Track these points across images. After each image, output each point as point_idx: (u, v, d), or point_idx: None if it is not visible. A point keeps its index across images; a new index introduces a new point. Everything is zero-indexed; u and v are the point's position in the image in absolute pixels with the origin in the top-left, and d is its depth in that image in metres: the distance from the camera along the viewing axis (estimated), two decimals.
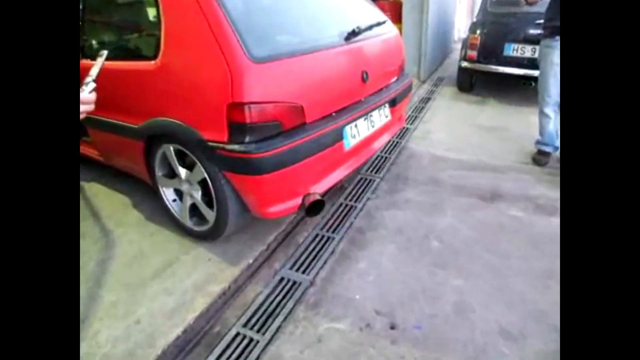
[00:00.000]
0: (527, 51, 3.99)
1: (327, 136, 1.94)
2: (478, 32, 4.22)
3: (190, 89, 1.78)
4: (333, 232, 2.33)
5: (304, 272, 2.03)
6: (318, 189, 2.01)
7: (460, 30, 7.92)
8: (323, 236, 2.29)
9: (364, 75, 2.20)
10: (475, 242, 2.24)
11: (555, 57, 2.79)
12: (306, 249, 2.19)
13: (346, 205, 2.59)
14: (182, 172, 2.03)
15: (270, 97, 1.72)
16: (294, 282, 1.96)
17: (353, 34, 2.16)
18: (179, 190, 2.17)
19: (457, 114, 4.21)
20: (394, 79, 2.61)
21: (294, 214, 2.40)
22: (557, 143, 3.11)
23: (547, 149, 3.13)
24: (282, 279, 1.99)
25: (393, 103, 2.55)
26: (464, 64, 4.39)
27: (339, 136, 2.04)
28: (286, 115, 1.79)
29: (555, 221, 2.41)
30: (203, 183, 1.97)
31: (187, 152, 1.92)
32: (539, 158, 3.13)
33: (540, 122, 3.12)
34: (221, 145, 1.74)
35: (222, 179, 1.85)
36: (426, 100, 4.58)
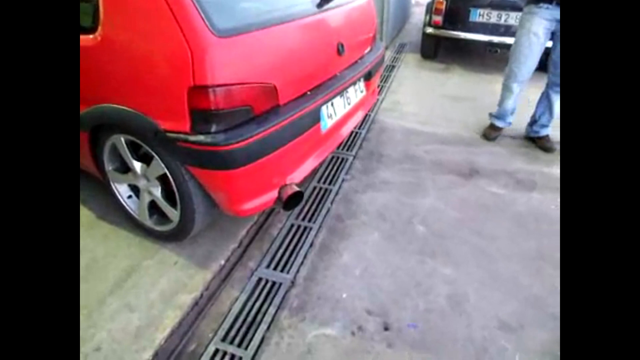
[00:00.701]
0: (493, 17, 3.87)
1: (303, 119, 1.71)
2: None
3: (141, 69, 1.47)
4: (310, 220, 2.14)
5: (282, 270, 1.84)
6: (295, 178, 1.79)
7: None
8: (299, 226, 2.10)
9: (340, 47, 1.96)
10: (460, 224, 2.14)
11: (535, 26, 2.56)
12: (282, 242, 1.99)
13: (320, 188, 2.39)
14: (137, 166, 1.74)
15: (238, 77, 1.46)
16: (273, 283, 1.77)
17: (325, 0, 1.89)
18: (135, 186, 1.87)
19: (423, 83, 4.06)
20: (368, 49, 2.38)
21: None
22: (510, 119, 2.97)
23: (500, 123, 2.98)
24: (259, 280, 1.79)
25: (368, 76, 2.34)
26: (429, 30, 4.20)
27: (315, 118, 1.81)
28: (258, 98, 1.53)
29: (536, 196, 2.35)
30: (163, 178, 1.70)
31: (142, 144, 1.63)
32: (489, 132, 2.99)
33: (502, 94, 2.93)
34: (183, 136, 1.47)
35: (186, 175, 1.59)
36: (390, 68, 4.39)
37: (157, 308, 1.60)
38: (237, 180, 1.54)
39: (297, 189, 1.72)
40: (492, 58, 4.55)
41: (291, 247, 1.96)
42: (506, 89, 2.87)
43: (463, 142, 2.94)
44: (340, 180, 2.47)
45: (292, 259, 1.90)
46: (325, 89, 1.87)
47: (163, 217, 1.85)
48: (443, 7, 4.00)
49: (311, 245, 1.99)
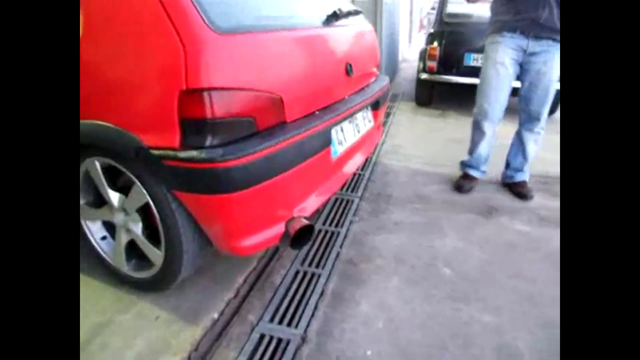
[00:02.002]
0: None
1: (313, 140, 1.47)
2: (436, 42, 4.03)
3: (121, 73, 1.24)
4: (317, 266, 1.83)
5: (290, 324, 1.50)
6: (303, 211, 1.52)
7: (403, 51, 7.93)
8: (306, 273, 1.78)
9: (348, 68, 1.78)
10: (491, 265, 1.85)
11: (500, 56, 2.27)
12: (287, 291, 1.67)
13: (326, 231, 2.10)
14: (114, 197, 1.45)
15: (239, 81, 1.24)
16: (280, 341, 1.43)
17: (334, 16, 1.75)
18: (111, 224, 1.56)
19: (421, 128, 3.94)
20: (373, 79, 2.22)
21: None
22: (485, 167, 2.60)
23: (474, 172, 2.59)
24: (262, 337, 1.44)
25: (376, 105, 2.15)
26: (424, 76, 4.17)
27: (326, 141, 1.57)
28: (261, 110, 1.30)
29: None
30: (144, 211, 1.41)
31: (121, 167, 1.35)
32: (463, 183, 2.57)
33: (473, 138, 2.56)
34: (171, 153, 1.21)
35: (173, 203, 1.30)
36: (386, 115, 4.28)
37: None
38: (236, 207, 1.26)
39: (306, 222, 1.44)
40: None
41: (298, 297, 1.64)
42: (477, 130, 2.52)
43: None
44: (348, 222, 2.20)
45: (300, 310, 1.57)
46: (335, 111, 1.65)
47: (143, 261, 1.53)
48: (437, 52, 3.99)
49: (322, 294, 1.66)
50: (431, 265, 1.85)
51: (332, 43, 1.72)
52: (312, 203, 1.58)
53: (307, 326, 1.50)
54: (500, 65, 2.30)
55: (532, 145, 2.49)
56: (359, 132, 1.94)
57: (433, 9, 7.36)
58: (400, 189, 2.62)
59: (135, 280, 1.54)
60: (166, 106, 1.19)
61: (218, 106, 1.18)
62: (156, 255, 1.43)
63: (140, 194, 1.34)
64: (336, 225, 2.16)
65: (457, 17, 4.03)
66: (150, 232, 1.46)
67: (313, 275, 1.77)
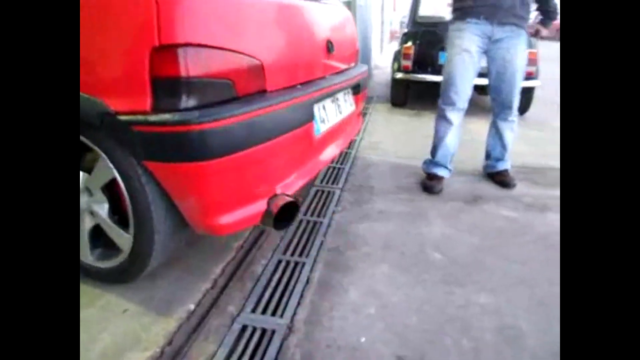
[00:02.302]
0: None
1: (295, 111, 1.38)
2: (410, 42, 4.04)
3: (84, 30, 1.11)
4: (300, 255, 1.71)
5: (274, 314, 1.37)
6: (286, 189, 1.40)
7: (375, 59, 7.99)
8: (289, 262, 1.65)
9: (329, 45, 1.70)
10: (481, 250, 1.78)
11: (466, 42, 2.20)
12: (270, 281, 1.53)
13: (308, 221, 1.99)
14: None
15: (217, 40, 1.13)
16: (264, 331, 1.29)
17: None
18: None
19: (399, 126, 3.90)
20: (353, 64, 2.15)
21: (250, 228, 1.78)
22: (451, 165, 2.44)
23: (440, 171, 2.41)
24: (244, 328, 1.31)
25: (357, 90, 2.08)
26: (399, 75, 4.16)
27: (308, 115, 1.48)
28: (241, 73, 1.20)
29: (554, 217, 2.07)
30: (111, 189, 1.26)
31: (83, 138, 1.20)
32: (432, 184, 2.35)
33: (437, 132, 2.40)
34: (141, 117, 1.08)
35: (143, 177, 1.17)
36: (363, 114, 4.23)
37: None
38: (212, 178, 1.13)
39: (290, 199, 1.33)
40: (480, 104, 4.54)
41: (282, 286, 1.51)
42: (443, 121, 2.36)
43: (455, 172, 2.67)
44: (330, 212, 2.09)
45: (284, 299, 1.44)
46: (317, 87, 1.56)
47: (109, 250, 1.37)
48: (411, 51, 4.00)
49: (307, 282, 1.54)
50: (420, 252, 1.76)
51: (313, 16, 1.64)
52: (295, 182, 1.47)
53: (294, 315, 1.37)
54: (466, 52, 2.23)
55: (509, 133, 2.46)
56: (340, 113, 1.85)
57: (402, 22, 7.50)
58: (382, 181, 2.54)
59: (100, 271, 1.37)
60: (135, 65, 1.07)
61: (194, 64, 1.07)
62: (124, 239, 1.28)
63: (106, 169, 1.20)
64: (318, 216, 2.05)
65: (430, 17, 4.06)
66: (118, 216, 1.31)
67: (297, 264, 1.64)
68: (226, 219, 1.22)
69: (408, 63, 4.04)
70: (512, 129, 2.46)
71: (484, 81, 2.47)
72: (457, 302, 1.45)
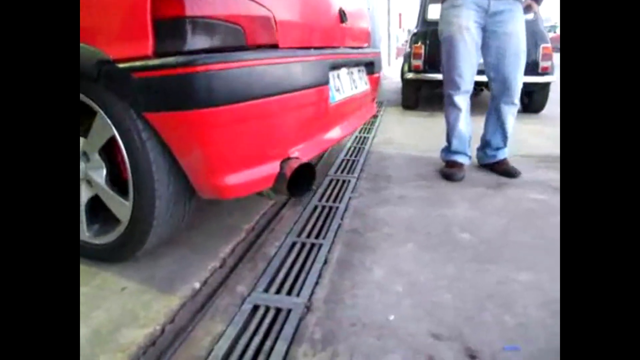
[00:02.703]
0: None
1: (309, 69, 1.26)
2: (420, 42, 3.96)
3: None
4: (317, 237, 1.57)
5: (289, 293, 1.23)
6: (301, 154, 1.28)
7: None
8: (304, 244, 1.51)
9: (342, 15, 1.61)
10: (512, 229, 1.63)
11: (464, 19, 2.02)
12: (283, 262, 1.39)
13: (323, 206, 1.85)
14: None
15: None
16: (278, 311, 1.15)
17: None
18: None
19: (412, 126, 3.79)
20: (366, 44, 2.05)
21: (260, 211, 1.65)
22: (469, 151, 2.29)
23: (460, 158, 2.28)
24: (255, 308, 1.16)
25: (371, 69, 1.98)
26: (410, 75, 4.07)
27: (323, 78, 1.37)
28: (251, 22, 1.09)
29: None
30: (108, 152, 1.15)
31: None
32: (452, 171, 2.20)
33: (448, 119, 2.28)
34: (142, 63, 0.98)
35: (144, 132, 1.05)
36: (373, 117, 4.13)
37: (83, 354, 0.93)
38: (219, 128, 1.02)
39: (304, 160, 1.21)
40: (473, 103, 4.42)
41: (297, 267, 1.37)
42: (452, 108, 2.23)
43: (474, 163, 2.52)
44: (347, 198, 1.95)
45: (301, 279, 1.29)
46: (331, 53, 1.46)
47: (106, 225, 1.24)
48: (422, 51, 3.91)
49: (325, 262, 1.40)
50: (446, 232, 1.61)
51: None
52: (309, 149, 1.34)
53: (312, 295, 1.22)
54: (465, 30, 2.04)
55: (511, 118, 2.24)
56: (356, 87, 1.74)
57: (406, 41, 7.50)
58: (399, 170, 2.41)
59: (96, 247, 1.25)
60: (136, 6, 0.97)
61: (200, 3, 0.97)
62: (123, 208, 1.16)
63: (104, 127, 1.09)
64: (334, 201, 1.91)
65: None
66: (116, 184, 1.19)
67: (313, 245, 1.50)
68: (234, 178, 1.09)
69: (419, 62, 3.95)
70: (514, 114, 2.24)
71: (483, 78, 2.28)
72: (494, 279, 1.29)
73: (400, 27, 12.09)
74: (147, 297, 1.14)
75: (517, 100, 2.21)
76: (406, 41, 6.79)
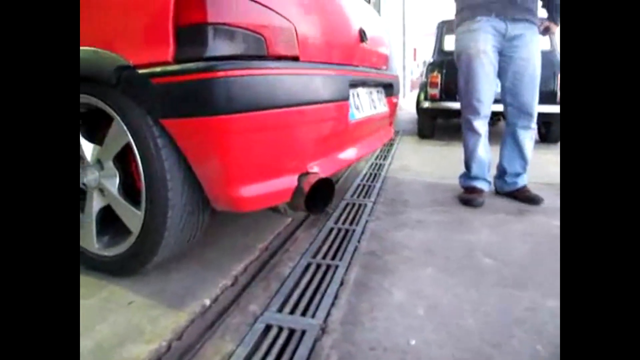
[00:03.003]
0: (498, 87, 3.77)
1: (330, 83, 1.25)
2: (436, 71, 3.98)
3: None
4: (333, 258, 1.51)
5: (304, 314, 1.16)
6: (319, 169, 1.25)
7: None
8: (320, 265, 1.45)
9: (363, 34, 1.61)
10: (538, 255, 1.55)
11: (482, 43, 1.99)
12: (298, 282, 1.33)
13: (339, 229, 1.80)
14: (88, 149, 1.17)
15: None
16: (292, 332, 1.08)
17: None
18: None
19: (428, 154, 3.75)
20: (384, 67, 2.05)
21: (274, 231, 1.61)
22: (489, 177, 2.24)
23: (480, 184, 2.21)
24: (268, 327, 1.10)
25: (390, 92, 1.97)
26: (426, 104, 4.07)
27: (344, 92, 1.35)
28: (272, 32, 1.09)
29: None
30: (122, 161, 1.13)
31: (97, 100, 1.09)
32: (471, 197, 2.15)
33: (467, 144, 2.22)
34: (162, 68, 0.97)
35: (160, 138, 1.04)
36: (389, 145, 4.11)
37: None
38: (236, 136, 0.99)
39: (323, 176, 1.17)
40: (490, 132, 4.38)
41: (312, 287, 1.30)
42: (470, 133, 2.19)
43: (493, 192, 2.45)
44: (363, 221, 1.90)
45: (316, 300, 1.23)
46: (351, 70, 1.45)
47: (117, 235, 1.21)
48: (439, 80, 3.93)
49: (342, 283, 1.33)
50: (468, 257, 1.54)
51: (346, 3, 1.56)
52: (328, 165, 1.31)
53: (327, 316, 1.15)
54: (483, 54, 2.00)
55: (529, 142, 2.18)
56: (375, 108, 1.72)
57: (421, 75, 7.59)
58: (416, 196, 2.35)
59: (106, 259, 1.21)
60: (158, 13, 0.98)
61: (221, 10, 0.97)
62: (134, 217, 1.12)
63: (120, 134, 1.08)
64: (351, 224, 1.86)
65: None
66: (129, 194, 1.16)
67: (329, 267, 1.44)
68: (250, 190, 1.06)
69: (435, 92, 3.96)
70: (532, 138, 2.19)
71: (500, 107, 2.23)
72: (522, 304, 1.21)
73: (415, 60, 12.29)
74: (154, 312, 1.08)
75: (534, 124, 2.16)
76: (421, 73, 6.87)
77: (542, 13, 2.23)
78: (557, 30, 2.25)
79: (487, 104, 2.12)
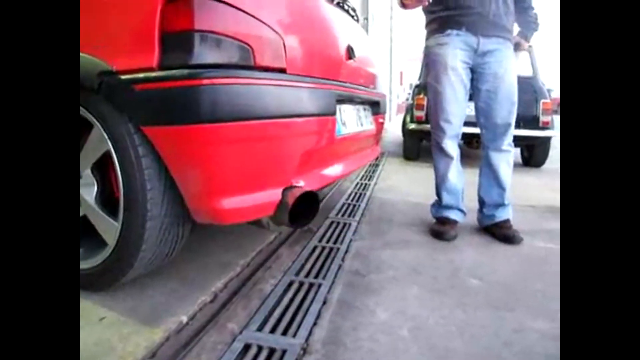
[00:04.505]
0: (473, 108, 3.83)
1: (317, 97, 1.24)
2: (423, 93, 4.04)
3: None
4: (316, 277, 1.47)
5: (284, 333, 1.11)
6: (304, 183, 1.22)
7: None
8: (302, 283, 1.41)
9: (351, 51, 1.62)
10: (526, 276, 1.53)
11: (451, 59, 1.82)
12: (280, 300, 1.28)
13: (323, 247, 1.76)
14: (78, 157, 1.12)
15: (239, 1, 1.02)
16: (272, 351, 1.03)
17: None
18: None
19: (414, 175, 3.76)
20: (372, 85, 2.06)
21: (256, 249, 1.57)
22: (462, 205, 2.03)
23: (451, 214, 2.01)
24: (247, 346, 1.04)
25: (376, 110, 1.97)
26: (412, 126, 4.11)
27: (330, 107, 1.34)
28: (260, 43, 1.07)
29: None
30: (100, 170, 1.09)
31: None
32: (443, 229, 1.94)
33: (438, 169, 2.04)
34: (145, 74, 0.94)
35: (140, 147, 1.00)
36: (375, 166, 4.12)
37: None
38: (219, 146, 0.97)
39: (308, 190, 1.14)
40: (472, 156, 4.43)
41: (294, 306, 1.26)
42: (441, 156, 2.00)
43: (474, 225, 2.43)
44: (347, 240, 1.86)
45: (298, 319, 1.18)
46: (339, 86, 1.45)
47: (90, 248, 1.15)
48: (424, 102, 3.98)
49: (325, 302, 1.29)
50: (454, 276, 1.52)
51: (337, 19, 1.59)
52: (313, 180, 1.29)
53: (309, 335, 1.11)
54: (452, 70, 1.83)
55: (505, 167, 1.96)
56: (361, 125, 1.72)
57: (407, 99, 7.71)
58: (402, 215, 2.34)
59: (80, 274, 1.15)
60: (144, 19, 0.96)
61: (208, 17, 0.96)
62: (111, 228, 1.07)
63: (99, 141, 1.04)
64: (335, 242, 1.82)
65: None
66: (106, 204, 1.12)
67: (312, 285, 1.40)
68: (233, 202, 1.03)
69: (421, 114, 4.01)
70: (509, 163, 1.97)
71: (474, 129, 2.06)
72: (510, 326, 1.19)
73: (401, 84, 12.51)
74: (127, 329, 1.02)
75: (507, 146, 1.95)
76: (409, 93, 6.96)
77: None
78: (527, 46, 2.11)
79: (456, 125, 1.93)
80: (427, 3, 1.75)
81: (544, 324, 1.20)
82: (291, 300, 1.29)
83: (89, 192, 1.10)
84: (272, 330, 1.12)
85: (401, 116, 9.10)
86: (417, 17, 2.16)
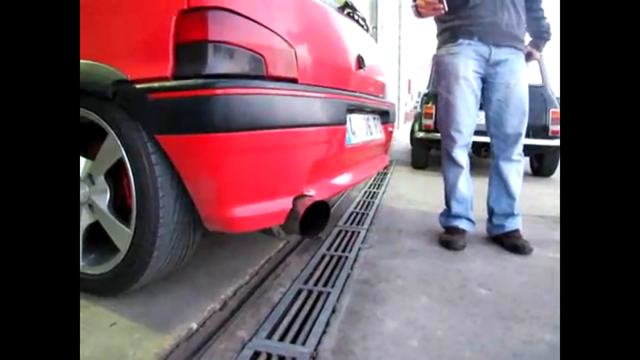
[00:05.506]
0: (483, 118, 3.83)
1: (328, 107, 1.25)
2: (431, 102, 4.05)
3: None
4: (325, 285, 1.47)
5: (294, 341, 1.12)
6: (314, 193, 1.23)
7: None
8: (311, 291, 1.42)
9: (361, 60, 1.63)
10: (535, 287, 1.52)
11: (462, 69, 1.82)
12: (289, 309, 1.29)
13: (332, 256, 1.76)
14: (80, 163, 1.15)
15: (252, 12, 1.04)
16: (281, 359, 1.04)
17: (346, 6, 1.64)
18: None
19: (423, 183, 3.75)
20: (381, 95, 2.07)
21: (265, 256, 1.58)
22: (472, 215, 2.03)
23: (460, 224, 2.01)
24: (257, 354, 1.05)
25: (386, 119, 1.98)
26: (420, 134, 4.11)
27: (341, 117, 1.35)
28: (272, 53, 1.09)
29: None
30: (113, 177, 1.10)
31: (91, 113, 1.08)
32: (452, 239, 1.93)
33: (447, 178, 2.03)
34: (160, 84, 0.96)
35: (154, 155, 1.02)
36: (383, 174, 4.12)
37: None
38: (232, 155, 0.98)
39: (319, 199, 1.15)
40: (481, 165, 4.41)
41: (303, 314, 1.26)
42: (451, 165, 1.99)
43: (483, 234, 2.41)
44: (356, 249, 1.87)
45: (307, 327, 1.19)
46: (349, 95, 1.46)
47: (103, 253, 1.17)
48: (433, 110, 3.98)
49: (334, 311, 1.29)
50: (463, 287, 1.51)
51: (344, 28, 1.59)
52: (323, 189, 1.29)
53: (318, 344, 1.11)
54: (464, 80, 1.82)
55: (515, 177, 1.95)
56: (371, 134, 1.73)
57: (415, 107, 7.74)
58: (411, 224, 2.33)
59: (90, 278, 1.16)
60: (159, 29, 0.98)
61: (223, 29, 0.98)
62: (123, 234, 1.09)
63: (113, 149, 1.06)
64: (343, 251, 1.83)
65: None
66: (119, 211, 1.13)
67: (320, 293, 1.40)
68: (244, 211, 1.04)
69: (430, 122, 4.01)
70: (519, 172, 1.96)
71: (485, 138, 2.04)
72: (520, 337, 1.18)
73: (409, 92, 12.52)
74: (138, 335, 1.03)
75: (517, 155, 1.94)
76: (417, 102, 6.96)
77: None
78: (538, 56, 2.11)
79: (466, 135, 1.92)
80: (443, 12, 1.75)
81: (554, 335, 1.19)
82: (300, 309, 1.30)
83: (102, 198, 1.12)
84: (281, 338, 1.13)
85: (409, 124, 9.12)
86: (425, 25, 2.17)
